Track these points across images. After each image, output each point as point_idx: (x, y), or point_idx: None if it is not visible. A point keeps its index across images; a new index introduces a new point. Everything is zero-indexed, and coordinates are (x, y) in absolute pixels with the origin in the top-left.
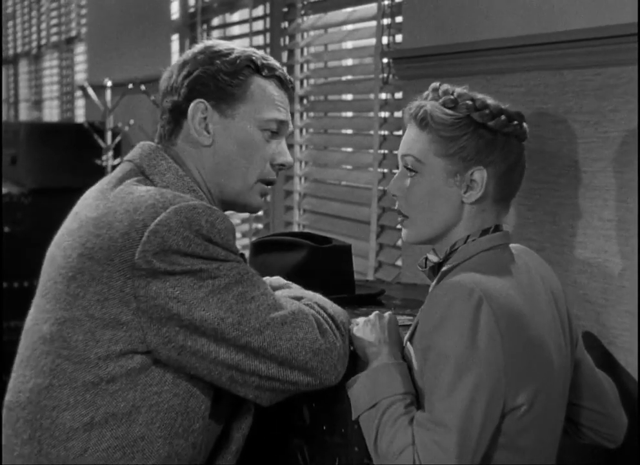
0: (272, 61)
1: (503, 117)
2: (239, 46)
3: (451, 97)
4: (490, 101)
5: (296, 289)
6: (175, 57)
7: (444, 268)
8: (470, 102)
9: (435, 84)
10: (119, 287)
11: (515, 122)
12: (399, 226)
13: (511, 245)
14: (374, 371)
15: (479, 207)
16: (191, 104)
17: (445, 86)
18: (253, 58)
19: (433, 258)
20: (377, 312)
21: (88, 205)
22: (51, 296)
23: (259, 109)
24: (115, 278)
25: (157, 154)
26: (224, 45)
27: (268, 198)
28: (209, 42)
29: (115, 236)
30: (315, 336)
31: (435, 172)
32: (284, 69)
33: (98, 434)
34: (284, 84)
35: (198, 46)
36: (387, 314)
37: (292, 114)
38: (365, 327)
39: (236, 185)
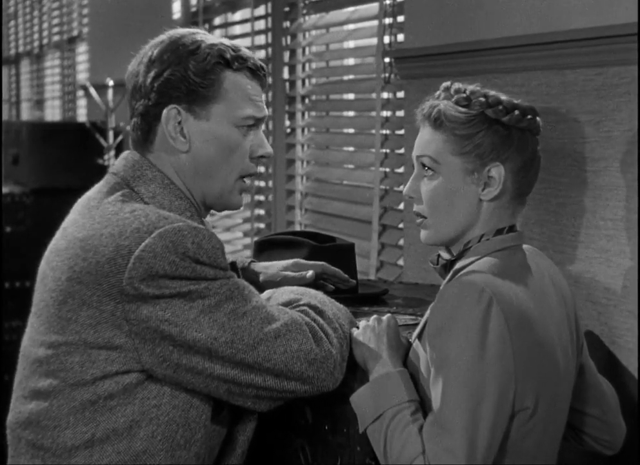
0: (242, 51)
1: (517, 112)
2: (206, 36)
3: (464, 95)
4: (503, 96)
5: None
6: None
7: (456, 267)
8: (482, 99)
9: (447, 83)
10: (110, 311)
11: (529, 116)
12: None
13: (524, 246)
14: (375, 381)
15: (497, 204)
16: (164, 111)
17: (457, 85)
18: (223, 52)
19: (445, 255)
20: (375, 316)
21: (75, 221)
22: (44, 319)
23: (233, 107)
24: (105, 302)
25: (142, 164)
26: (189, 38)
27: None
28: (174, 35)
29: (101, 261)
30: (309, 347)
31: (452, 171)
32: (255, 56)
33: (100, 451)
34: (256, 73)
35: (163, 39)
36: (385, 317)
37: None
38: (364, 332)
39: (216, 187)
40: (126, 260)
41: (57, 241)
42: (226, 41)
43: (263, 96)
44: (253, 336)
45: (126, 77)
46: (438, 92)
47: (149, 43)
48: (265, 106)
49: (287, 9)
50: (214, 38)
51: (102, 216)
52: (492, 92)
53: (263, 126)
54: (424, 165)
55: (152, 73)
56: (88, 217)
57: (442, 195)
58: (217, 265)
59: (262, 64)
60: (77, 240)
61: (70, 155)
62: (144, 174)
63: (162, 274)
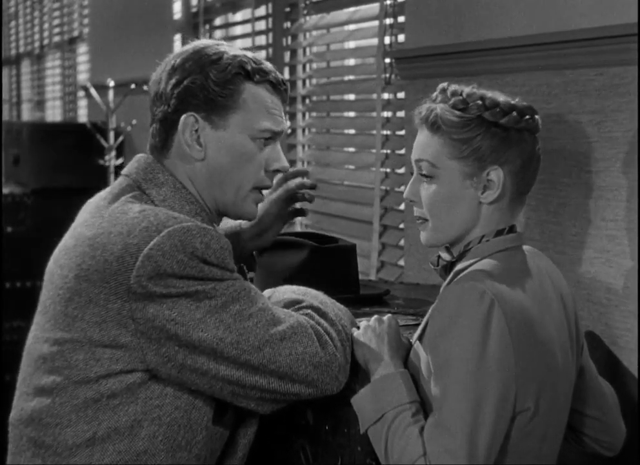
0: (264, 64)
1: (514, 113)
2: (230, 48)
3: (461, 98)
4: (500, 98)
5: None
6: None
7: (456, 268)
8: (480, 101)
9: (443, 85)
10: (116, 309)
11: (527, 116)
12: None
13: (523, 247)
14: (376, 383)
15: (496, 206)
16: (182, 118)
17: (453, 87)
18: (244, 64)
19: (446, 256)
20: (376, 316)
21: (85, 221)
22: (50, 316)
23: (252, 119)
24: (111, 300)
25: (154, 167)
26: (213, 48)
27: None
28: (198, 45)
29: (109, 259)
30: (315, 350)
31: (450, 175)
32: (277, 70)
33: (101, 450)
34: (277, 87)
35: (187, 49)
36: (386, 318)
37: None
38: (365, 333)
39: (230, 196)
40: (135, 258)
41: (66, 240)
42: (249, 54)
43: (282, 109)
44: (258, 337)
45: (149, 84)
46: (435, 94)
47: (174, 52)
48: (284, 120)
49: (288, 9)
50: (237, 50)
51: (112, 215)
52: (489, 94)
53: None
54: (422, 170)
55: (173, 81)
56: (97, 216)
57: (442, 199)
58: (224, 265)
59: (284, 79)
60: (85, 238)
61: (71, 156)
62: (156, 177)
63: (170, 273)
